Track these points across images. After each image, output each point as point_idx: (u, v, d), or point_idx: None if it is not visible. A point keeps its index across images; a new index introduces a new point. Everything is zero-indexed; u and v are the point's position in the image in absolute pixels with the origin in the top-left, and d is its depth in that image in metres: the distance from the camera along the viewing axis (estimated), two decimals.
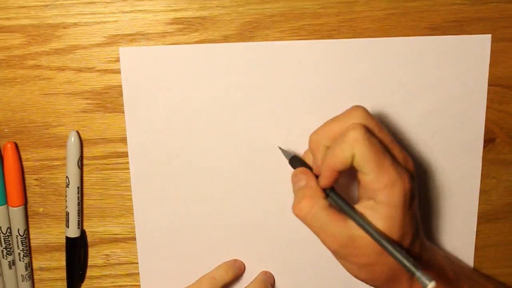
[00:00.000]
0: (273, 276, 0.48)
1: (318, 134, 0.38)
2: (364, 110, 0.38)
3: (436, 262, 0.41)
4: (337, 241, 0.37)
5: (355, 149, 0.35)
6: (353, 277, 0.39)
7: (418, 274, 0.34)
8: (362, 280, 0.39)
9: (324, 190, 0.38)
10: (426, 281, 0.33)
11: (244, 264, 0.48)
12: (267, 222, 0.47)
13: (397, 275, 0.38)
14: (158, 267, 0.48)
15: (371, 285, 0.40)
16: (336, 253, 0.38)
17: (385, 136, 0.38)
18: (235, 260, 0.48)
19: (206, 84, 0.44)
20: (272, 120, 0.45)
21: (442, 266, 0.41)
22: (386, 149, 0.36)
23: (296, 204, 0.38)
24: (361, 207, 0.37)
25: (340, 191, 0.39)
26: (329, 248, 0.38)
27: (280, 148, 0.44)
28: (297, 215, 0.38)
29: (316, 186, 0.38)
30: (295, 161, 0.42)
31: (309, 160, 0.41)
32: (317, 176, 0.39)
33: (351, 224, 0.37)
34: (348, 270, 0.39)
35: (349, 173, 0.41)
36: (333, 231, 0.37)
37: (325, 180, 0.38)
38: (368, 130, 0.36)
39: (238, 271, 0.47)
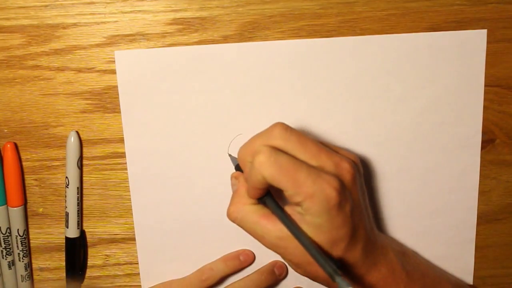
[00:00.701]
0: (285, 266, 0.48)
1: (242, 151, 0.40)
2: (283, 126, 0.38)
3: (386, 261, 0.41)
4: (267, 242, 0.39)
5: (263, 172, 0.37)
6: None
7: (337, 279, 0.34)
8: (305, 276, 0.41)
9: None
10: (344, 286, 0.34)
11: (253, 254, 0.48)
12: None
13: None
14: (158, 267, 0.48)
15: (319, 283, 0.41)
16: (273, 251, 0.40)
17: (307, 148, 0.38)
18: (243, 251, 0.48)
19: (205, 84, 0.44)
20: (272, 120, 0.44)
21: (391, 265, 0.41)
22: (302, 163, 0.37)
23: (227, 209, 0.41)
24: (291, 209, 0.38)
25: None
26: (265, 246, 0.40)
27: (229, 154, 0.45)
28: (228, 219, 0.40)
29: (244, 192, 0.40)
30: (239, 168, 0.43)
31: None
32: None
33: (280, 225, 0.38)
34: (289, 266, 0.41)
35: None
36: (262, 232, 0.39)
37: (251, 195, 0.40)
38: (276, 150, 0.37)
39: (240, 262, 0.47)
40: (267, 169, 0.36)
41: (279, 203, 0.39)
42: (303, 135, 0.39)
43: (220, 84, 0.44)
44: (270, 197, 0.39)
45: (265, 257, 0.48)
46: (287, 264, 0.48)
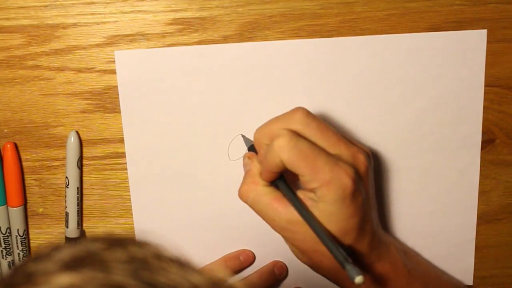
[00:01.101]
0: (285, 266, 0.48)
1: (260, 133, 0.40)
2: (304, 111, 0.39)
3: (389, 257, 0.41)
4: (276, 225, 0.39)
5: (282, 156, 0.37)
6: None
7: (348, 266, 0.34)
8: (308, 265, 0.41)
9: None
10: (354, 274, 0.34)
11: (253, 255, 0.48)
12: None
13: (340, 269, 0.38)
14: None
15: (321, 275, 0.41)
16: (280, 234, 0.40)
17: (327, 136, 0.38)
18: (243, 251, 0.48)
19: (205, 84, 0.44)
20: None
21: (394, 262, 0.41)
22: (321, 149, 0.37)
23: (240, 187, 0.40)
24: (303, 195, 0.38)
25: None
26: (273, 229, 0.40)
27: (242, 135, 0.44)
28: (240, 199, 0.40)
29: (258, 173, 0.40)
30: (253, 148, 0.42)
31: None
32: None
33: (292, 209, 0.38)
34: (293, 253, 0.41)
35: None
36: (273, 214, 0.39)
37: (264, 177, 0.39)
38: (297, 134, 0.37)
39: (241, 263, 0.47)
40: (286, 153, 0.36)
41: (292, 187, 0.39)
42: (323, 123, 0.39)
43: (220, 84, 0.44)
44: (283, 181, 0.39)
45: (265, 257, 0.48)
46: (286, 264, 0.48)
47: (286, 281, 0.49)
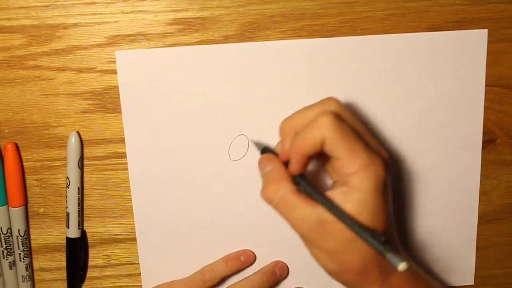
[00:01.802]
0: (286, 267, 0.48)
1: (291, 120, 0.39)
2: (337, 101, 0.39)
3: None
4: (305, 225, 0.37)
5: (325, 133, 0.36)
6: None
7: (389, 255, 0.34)
8: (331, 273, 0.39)
9: (294, 177, 0.39)
10: (397, 261, 0.33)
11: (254, 255, 0.48)
12: (268, 222, 0.47)
13: (368, 269, 0.38)
14: (159, 267, 0.48)
15: (341, 282, 0.39)
16: (305, 238, 0.38)
17: (358, 126, 0.39)
18: (244, 251, 0.48)
19: (206, 84, 0.44)
20: (273, 120, 0.45)
21: (411, 268, 0.40)
22: (358, 136, 0.37)
23: (263, 188, 0.38)
24: (332, 193, 0.37)
25: (311, 179, 0.39)
26: (298, 233, 0.38)
27: (253, 141, 0.44)
28: (265, 200, 0.38)
29: (283, 170, 0.39)
30: (266, 151, 0.42)
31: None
32: (285, 164, 0.40)
33: (321, 208, 0.37)
34: (317, 259, 0.39)
35: (320, 160, 0.43)
36: (301, 214, 0.37)
37: (294, 166, 0.38)
38: (339, 117, 0.37)
39: (241, 263, 0.47)
40: (331, 130, 0.36)
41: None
42: (353, 114, 0.39)
43: (221, 84, 0.44)
44: (306, 181, 0.38)
45: (266, 257, 0.48)
46: (287, 264, 0.48)
47: (287, 282, 0.49)
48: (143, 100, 0.44)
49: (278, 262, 0.48)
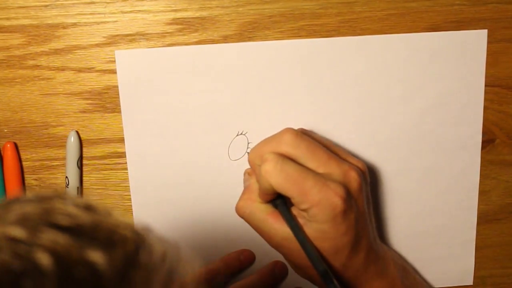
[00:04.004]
0: (285, 266, 0.48)
1: (252, 155, 0.41)
2: (293, 132, 0.39)
3: (388, 274, 0.42)
4: (272, 241, 0.40)
5: (270, 180, 0.37)
6: None
7: (331, 286, 0.36)
8: (304, 278, 0.41)
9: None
10: None
11: (253, 254, 0.48)
12: None
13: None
14: None
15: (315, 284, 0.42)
16: (277, 250, 0.41)
17: (316, 156, 0.39)
18: (243, 251, 0.48)
19: (206, 84, 0.44)
20: (272, 120, 0.45)
21: (392, 280, 0.42)
22: (309, 171, 0.38)
23: (237, 203, 0.42)
24: (298, 212, 0.39)
25: None
26: (269, 244, 0.41)
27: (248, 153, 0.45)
28: (237, 213, 0.41)
29: (255, 190, 0.41)
30: None
31: None
32: None
33: (287, 227, 0.39)
34: (291, 267, 0.42)
35: None
36: (268, 231, 0.40)
37: (261, 198, 0.40)
38: (283, 158, 0.38)
39: (241, 263, 0.47)
40: (273, 177, 0.37)
41: (288, 203, 0.40)
42: (313, 142, 0.39)
43: (221, 83, 0.44)
44: (282, 201, 0.40)
45: (266, 257, 0.48)
46: (288, 265, 0.48)
47: (286, 281, 0.49)
48: (142, 100, 0.44)
49: (277, 262, 0.48)
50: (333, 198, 0.37)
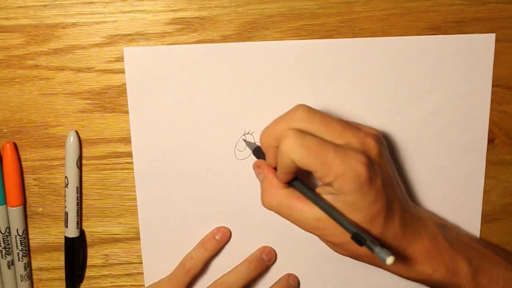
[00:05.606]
0: (273, 251, 0.48)
1: (265, 136, 0.40)
2: (305, 108, 0.39)
3: (427, 232, 0.41)
4: (305, 225, 0.39)
5: (292, 156, 0.37)
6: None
7: (377, 249, 0.35)
8: (347, 256, 0.41)
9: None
10: (385, 256, 0.34)
11: (228, 230, 0.47)
12: (271, 221, 0.47)
13: None
14: (162, 266, 0.48)
15: (360, 261, 0.41)
16: (313, 233, 0.40)
17: (332, 128, 0.39)
18: (218, 229, 0.47)
19: (208, 83, 0.44)
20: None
21: (434, 237, 0.41)
22: (329, 142, 0.37)
23: (261, 198, 0.41)
24: (323, 190, 0.39)
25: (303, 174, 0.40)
26: (304, 230, 0.40)
27: (244, 140, 0.45)
28: (265, 208, 0.41)
29: (272, 178, 0.41)
30: (258, 151, 0.43)
31: None
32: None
33: (316, 207, 0.38)
34: (330, 248, 0.41)
35: None
36: (299, 216, 0.39)
37: (281, 179, 0.40)
38: (302, 132, 0.37)
39: (218, 242, 0.47)
40: (295, 153, 0.37)
41: (309, 186, 0.39)
42: (326, 115, 0.39)
43: (228, 82, 0.44)
44: (299, 181, 0.40)
45: (252, 244, 0.47)
46: (275, 253, 0.48)
47: (278, 271, 0.48)
48: (149, 98, 0.44)
49: (265, 247, 0.48)
50: (357, 166, 0.36)
